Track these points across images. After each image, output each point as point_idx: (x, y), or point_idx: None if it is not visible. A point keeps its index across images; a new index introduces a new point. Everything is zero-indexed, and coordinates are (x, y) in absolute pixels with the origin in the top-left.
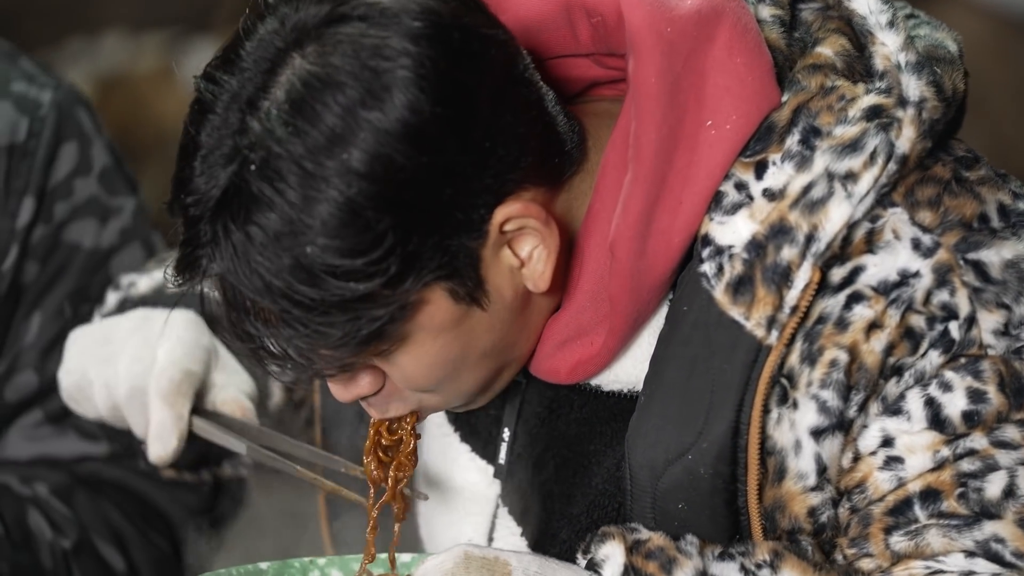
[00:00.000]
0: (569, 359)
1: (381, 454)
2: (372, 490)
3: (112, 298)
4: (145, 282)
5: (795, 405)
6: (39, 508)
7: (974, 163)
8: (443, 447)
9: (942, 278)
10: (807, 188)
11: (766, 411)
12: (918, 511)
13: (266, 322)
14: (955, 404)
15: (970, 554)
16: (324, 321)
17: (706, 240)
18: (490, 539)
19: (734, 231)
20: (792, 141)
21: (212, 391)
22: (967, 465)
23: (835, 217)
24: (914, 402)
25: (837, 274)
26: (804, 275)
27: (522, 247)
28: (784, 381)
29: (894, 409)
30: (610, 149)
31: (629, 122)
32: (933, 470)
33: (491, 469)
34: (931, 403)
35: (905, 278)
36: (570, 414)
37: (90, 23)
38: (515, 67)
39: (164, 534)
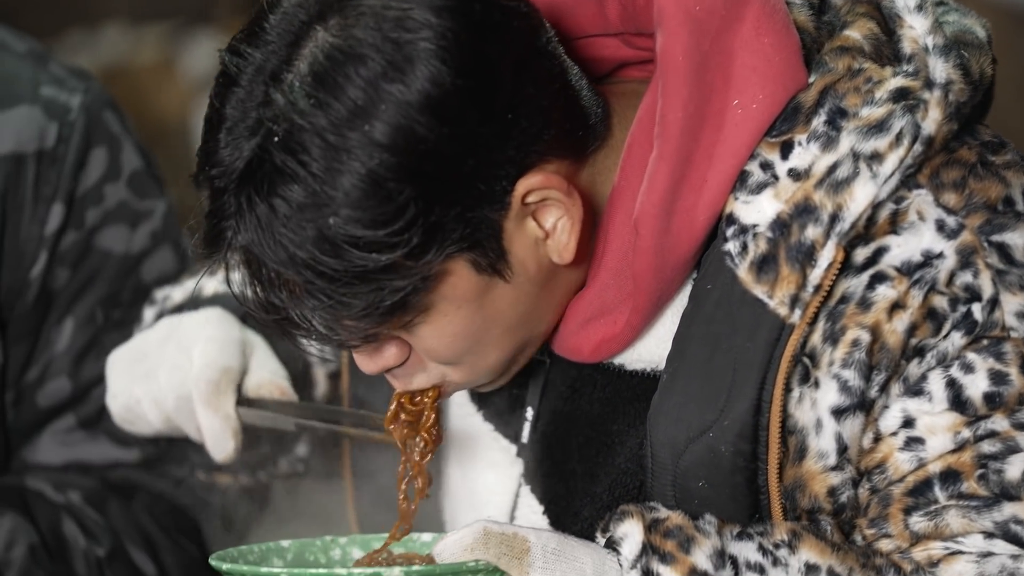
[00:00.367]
0: (593, 337)
1: (406, 427)
2: (400, 466)
3: (149, 314)
4: (179, 293)
5: (817, 384)
6: (73, 516)
7: (1000, 148)
8: (466, 427)
9: (966, 260)
10: (832, 168)
11: (788, 390)
12: (938, 492)
13: (290, 293)
14: (977, 385)
15: (989, 535)
16: (347, 292)
17: (730, 219)
18: (512, 517)
19: (759, 210)
20: (818, 122)
21: (249, 379)
22: (988, 447)
23: (860, 197)
24: (936, 383)
25: (861, 254)
26: (828, 254)
27: (546, 219)
28: (806, 360)
29: (916, 390)
30: (636, 127)
31: (655, 100)
32: (953, 451)
33: (514, 448)
34: (953, 384)
35: (929, 259)
36: (593, 393)
37: (90, 15)
38: (537, 39)
39: (193, 539)
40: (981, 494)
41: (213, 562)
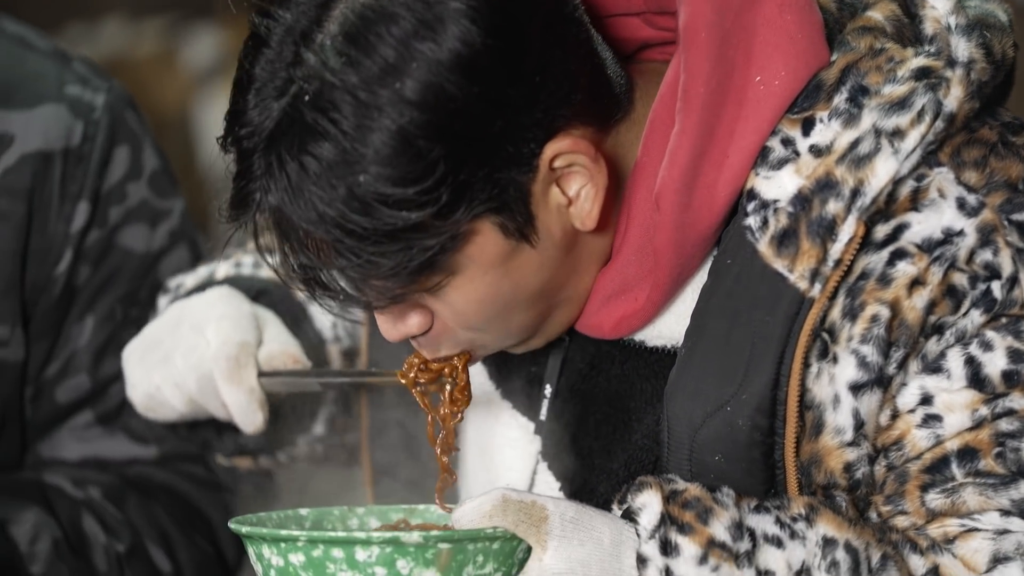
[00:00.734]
0: (614, 314)
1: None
2: (429, 426)
3: (163, 302)
4: (191, 280)
5: (835, 359)
6: (93, 512)
7: (1021, 129)
8: (485, 404)
9: (986, 237)
10: (854, 144)
11: (806, 365)
12: (955, 469)
13: (318, 252)
14: (995, 363)
15: (1005, 513)
16: (376, 251)
17: (751, 194)
18: None
19: (780, 186)
20: (840, 99)
21: (260, 352)
22: (1005, 425)
23: (881, 172)
24: (954, 360)
25: (881, 231)
26: (849, 229)
27: (570, 186)
28: (825, 335)
29: (934, 367)
30: (658, 103)
31: (678, 76)
32: (971, 429)
33: (532, 425)
34: (971, 362)
35: (949, 236)
36: (611, 370)
37: (90, 8)
38: (565, 5)
39: (207, 536)
40: (998, 472)
41: (232, 526)
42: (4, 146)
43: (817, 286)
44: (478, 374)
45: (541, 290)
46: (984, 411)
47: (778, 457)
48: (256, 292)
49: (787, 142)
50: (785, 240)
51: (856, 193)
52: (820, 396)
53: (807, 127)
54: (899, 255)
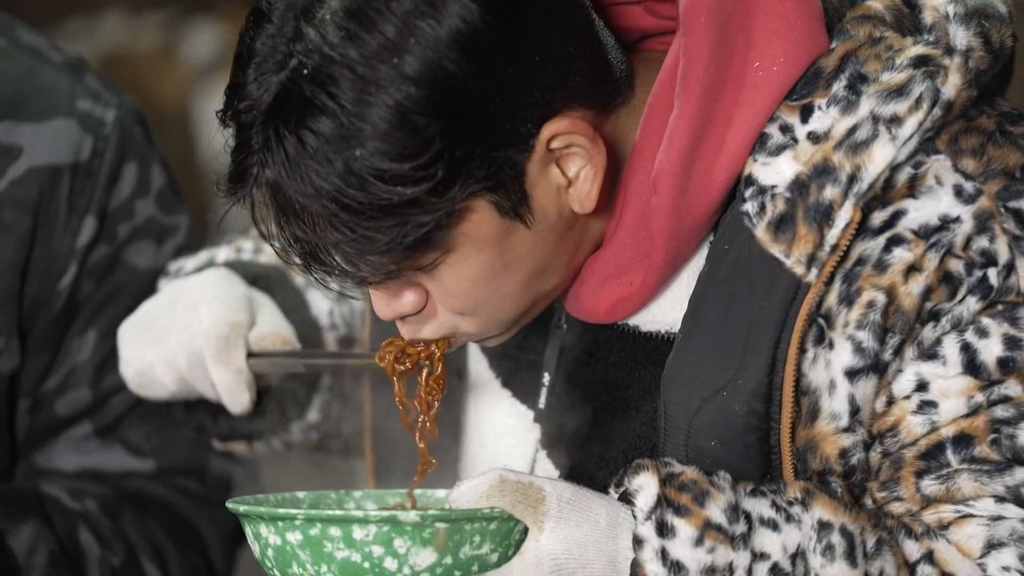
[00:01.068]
0: (609, 297)
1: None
2: (403, 412)
3: (163, 284)
4: (192, 263)
5: (831, 345)
6: (89, 524)
7: (1019, 119)
8: (485, 394)
9: (983, 224)
10: (852, 130)
11: (802, 350)
12: (950, 456)
13: (314, 227)
14: (991, 350)
15: (1000, 499)
16: (371, 226)
17: (749, 180)
18: None
19: (777, 171)
20: (839, 86)
21: (251, 333)
22: (1001, 412)
23: (878, 158)
24: (950, 347)
25: (878, 217)
26: (845, 214)
27: (570, 167)
28: (821, 321)
29: (930, 354)
30: (657, 87)
31: (677, 61)
32: (967, 415)
33: (531, 414)
34: (967, 348)
35: (946, 223)
36: (609, 358)
37: (90, 3)
38: None
39: (199, 551)
40: (993, 458)
41: (231, 505)
42: (12, 158)
43: (813, 271)
44: (478, 363)
45: (534, 271)
46: (980, 398)
47: (774, 442)
48: (254, 276)
49: (785, 128)
50: (782, 225)
51: (853, 179)
52: (816, 382)
53: (805, 114)
54: (896, 241)
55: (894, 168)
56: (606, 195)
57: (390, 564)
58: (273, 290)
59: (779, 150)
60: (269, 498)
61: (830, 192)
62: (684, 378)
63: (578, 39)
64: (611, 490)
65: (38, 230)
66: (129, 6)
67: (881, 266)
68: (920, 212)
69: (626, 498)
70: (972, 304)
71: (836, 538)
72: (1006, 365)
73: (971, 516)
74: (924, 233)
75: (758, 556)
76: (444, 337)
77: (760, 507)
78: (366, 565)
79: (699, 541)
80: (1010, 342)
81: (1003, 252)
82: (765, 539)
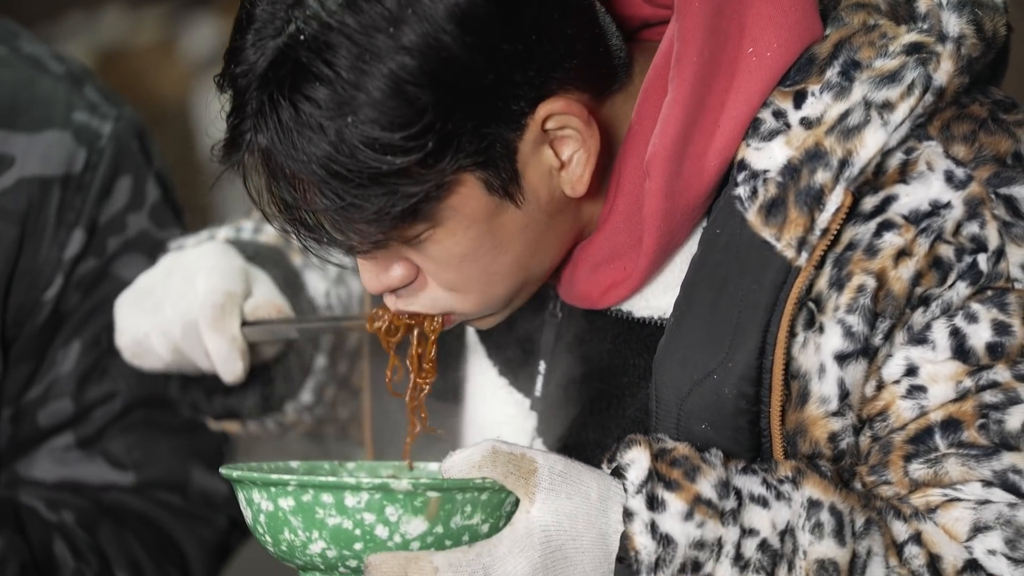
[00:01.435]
0: (602, 282)
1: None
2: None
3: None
4: (191, 241)
5: (821, 329)
6: (64, 536)
7: (1012, 107)
8: (483, 383)
9: (973, 210)
10: (844, 115)
11: (792, 334)
12: (938, 440)
13: (304, 192)
14: (980, 335)
15: (987, 483)
16: (360, 194)
17: (742, 165)
18: None
19: (770, 156)
20: (832, 73)
21: (246, 304)
22: (989, 397)
23: (870, 143)
24: (939, 332)
25: (869, 202)
26: (836, 198)
27: (564, 150)
28: (812, 305)
29: (919, 338)
30: (652, 72)
31: (672, 45)
32: (955, 400)
33: (527, 402)
34: (956, 333)
35: (936, 208)
36: (603, 345)
37: None
38: None
39: (178, 566)
40: (981, 443)
41: (224, 471)
42: (3, 168)
43: (804, 255)
44: (475, 353)
45: (523, 252)
46: (968, 383)
47: (764, 426)
48: (252, 254)
49: (778, 114)
50: (773, 209)
51: (844, 163)
52: (806, 365)
53: (799, 100)
54: (886, 226)
55: (885, 154)
56: (599, 180)
57: (381, 532)
58: (271, 268)
59: (772, 135)
60: (263, 466)
61: (821, 176)
62: (675, 361)
63: (577, 22)
64: (604, 465)
65: (25, 241)
66: (129, 1)
67: (871, 251)
68: (911, 197)
69: (618, 472)
70: (962, 289)
71: (825, 516)
72: (995, 350)
73: (958, 500)
74: (915, 218)
75: (747, 532)
76: (439, 315)
77: (751, 484)
78: (357, 532)
79: (689, 515)
80: (999, 327)
81: (993, 238)
82: (755, 515)
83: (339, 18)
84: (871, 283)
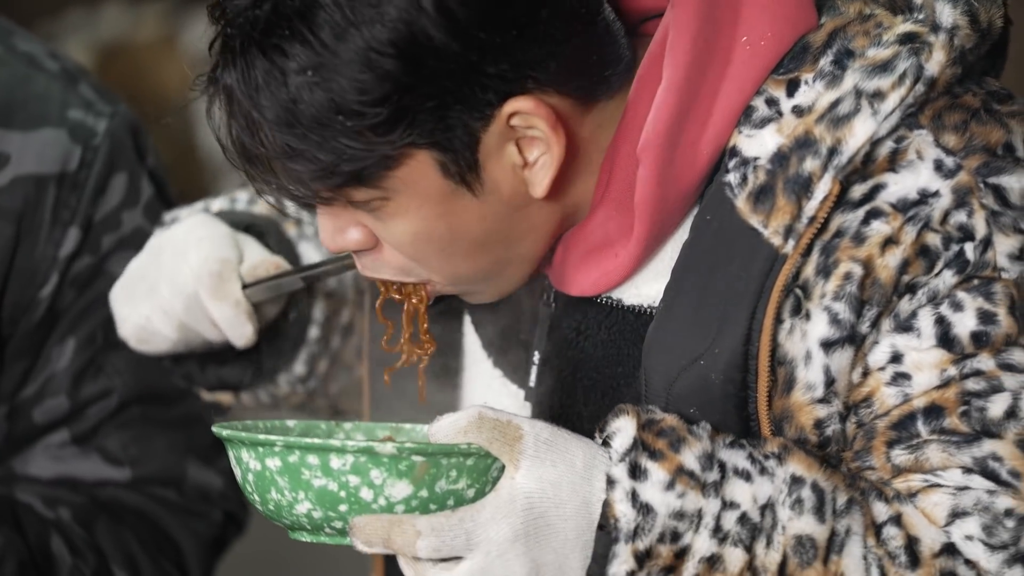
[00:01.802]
0: (594, 269)
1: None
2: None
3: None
4: (186, 213)
5: (808, 316)
6: (61, 533)
7: (1007, 99)
8: (478, 374)
9: (961, 199)
10: (834, 104)
11: (779, 320)
12: (920, 426)
13: (261, 138)
14: (965, 324)
15: (967, 470)
16: (308, 148)
17: (733, 152)
18: None
19: (761, 144)
20: (825, 62)
21: (243, 267)
22: (972, 385)
23: (859, 132)
24: (925, 320)
25: (858, 191)
26: (824, 187)
27: (531, 152)
28: (798, 291)
29: (905, 326)
30: (647, 60)
31: (666, 34)
32: (939, 387)
33: (522, 393)
34: (941, 321)
35: (924, 197)
36: (597, 335)
37: None
38: None
39: (174, 561)
40: (962, 430)
41: (215, 429)
42: None
43: (791, 242)
44: (470, 343)
45: (483, 242)
46: (952, 371)
47: (752, 410)
48: (247, 225)
49: (771, 102)
50: (761, 196)
51: (833, 152)
52: (792, 352)
53: (792, 88)
54: (874, 214)
55: (875, 142)
56: (575, 179)
57: (366, 494)
58: (265, 239)
59: (764, 123)
60: (259, 424)
61: (810, 164)
62: (663, 346)
63: (566, 27)
64: (596, 435)
65: (21, 239)
66: None
67: (859, 238)
68: (899, 186)
69: (607, 442)
70: (948, 278)
71: (807, 493)
72: (979, 339)
73: (938, 486)
74: (902, 206)
75: (728, 505)
76: (419, 284)
77: (736, 458)
78: (342, 494)
79: (670, 485)
80: (984, 316)
81: (980, 227)
82: (736, 489)
83: None
84: (858, 271)
